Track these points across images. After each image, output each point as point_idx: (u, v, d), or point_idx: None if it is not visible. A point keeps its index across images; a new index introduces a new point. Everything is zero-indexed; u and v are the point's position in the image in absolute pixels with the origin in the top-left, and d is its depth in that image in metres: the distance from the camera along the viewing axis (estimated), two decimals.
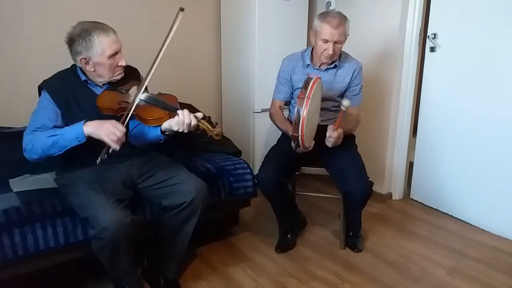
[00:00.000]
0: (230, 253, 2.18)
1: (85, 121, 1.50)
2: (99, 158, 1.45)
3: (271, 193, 2.07)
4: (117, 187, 1.66)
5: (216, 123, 1.58)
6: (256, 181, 2.13)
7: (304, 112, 1.71)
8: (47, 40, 2.42)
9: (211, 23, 3.09)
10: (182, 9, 1.53)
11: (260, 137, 2.92)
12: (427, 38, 2.58)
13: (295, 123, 1.74)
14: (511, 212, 2.31)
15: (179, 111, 1.52)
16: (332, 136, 1.86)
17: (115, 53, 1.60)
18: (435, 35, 2.53)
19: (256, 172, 2.11)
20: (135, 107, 1.57)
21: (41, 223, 1.58)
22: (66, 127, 1.54)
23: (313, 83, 1.76)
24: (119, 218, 1.47)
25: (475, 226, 2.49)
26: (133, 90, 1.66)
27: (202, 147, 2.33)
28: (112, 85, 1.70)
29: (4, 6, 2.27)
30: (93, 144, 1.55)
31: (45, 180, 1.90)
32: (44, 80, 1.66)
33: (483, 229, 2.45)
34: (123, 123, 1.50)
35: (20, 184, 1.87)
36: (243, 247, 2.25)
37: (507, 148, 2.28)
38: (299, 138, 1.75)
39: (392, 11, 2.60)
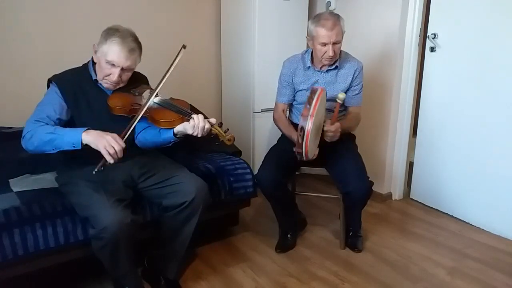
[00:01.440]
0: (230, 253, 2.18)
1: (87, 129, 1.49)
2: (95, 169, 1.46)
3: (271, 193, 2.06)
4: (118, 186, 1.66)
5: (228, 129, 1.64)
6: (256, 181, 2.13)
7: (308, 129, 1.73)
8: (48, 40, 2.42)
9: (211, 23, 3.10)
10: (184, 47, 1.63)
11: (260, 137, 2.92)
12: (427, 38, 2.58)
13: (298, 140, 1.76)
14: (511, 212, 2.32)
15: (194, 115, 1.57)
16: (330, 130, 1.88)
17: (114, 65, 1.60)
18: (435, 35, 2.53)
19: (256, 172, 2.11)
20: (149, 110, 1.61)
21: (41, 223, 1.58)
22: (67, 129, 1.53)
23: (317, 99, 1.76)
24: (119, 218, 1.47)
25: (475, 226, 2.49)
26: (146, 93, 1.69)
27: (202, 147, 2.33)
28: (123, 87, 1.71)
29: (5, 6, 2.27)
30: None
31: (45, 180, 1.90)
32: (55, 75, 1.68)
33: (483, 229, 2.45)
34: (123, 138, 1.50)
35: (20, 184, 1.87)
36: (243, 247, 2.25)
37: (507, 148, 2.28)
38: (303, 153, 1.78)
39: (392, 11, 2.60)
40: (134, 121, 1.56)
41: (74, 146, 1.48)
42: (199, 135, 1.57)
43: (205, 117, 1.60)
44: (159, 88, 1.63)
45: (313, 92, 1.81)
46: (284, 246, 2.21)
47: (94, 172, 1.46)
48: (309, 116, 1.72)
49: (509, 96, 2.24)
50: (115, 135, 1.48)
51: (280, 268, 2.05)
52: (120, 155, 1.47)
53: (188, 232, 1.74)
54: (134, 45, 1.63)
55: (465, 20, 2.38)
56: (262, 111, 2.85)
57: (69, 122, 1.63)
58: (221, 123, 1.68)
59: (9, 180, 1.90)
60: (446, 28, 2.48)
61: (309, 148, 1.77)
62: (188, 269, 2.00)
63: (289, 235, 2.24)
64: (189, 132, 1.57)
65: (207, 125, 1.57)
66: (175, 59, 1.63)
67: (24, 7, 2.32)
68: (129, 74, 1.68)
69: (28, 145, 1.52)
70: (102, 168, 1.48)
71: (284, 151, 2.07)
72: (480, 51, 2.33)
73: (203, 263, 2.07)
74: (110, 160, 1.46)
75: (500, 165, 2.33)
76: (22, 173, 1.97)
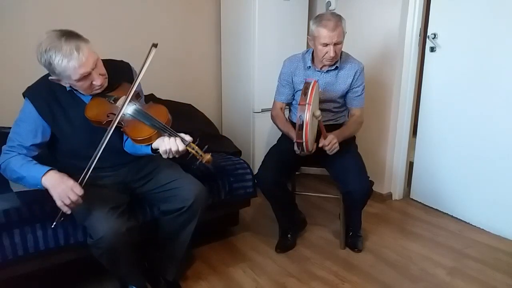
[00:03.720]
0: (230, 253, 2.18)
1: (49, 170, 1.42)
2: (54, 223, 1.42)
3: (271, 193, 2.07)
4: (113, 193, 1.62)
5: (207, 146, 1.45)
6: (256, 181, 2.13)
7: (306, 119, 1.73)
8: None
9: (211, 23, 3.09)
10: (155, 45, 1.45)
11: (260, 137, 2.92)
12: (427, 38, 2.58)
13: (298, 130, 1.76)
14: (511, 212, 2.32)
15: (165, 139, 1.41)
16: (324, 144, 1.91)
17: (87, 75, 1.43)
18: (435, 35, 2.53)
19: (256, 172, 2.11)
20: (123, 121, 1.47)
21: (41, 223, 1.58)
22: (30, 167, 1.44)
23: (312, 88, 1.78)
24: (114, 228, 1.45)
25: (475, 226, 2.49)
26: (121, 101, 1.51)
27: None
28: (103, 93, 1.55)
29: (4, 6, 2.27)
30: (86, 152, 1.47)
31: None
32: (28, 87, 1.55)
33: (483, 229, 2.45)
34: (81, 183, 1.40)
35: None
36: (243, 247, 2.25)
37: (507, 148, 2.28)
38: (303, 144, 1.78)
39: (392, 11, 2.60)
40: (96, 154, 1.41)
41: (39, 188, 1.43)
42: (176, 156, 1.44)
43: (179, 136, 1.44)
44: (129, 98, 1.46)
45: (307, 83, 1.83)
46: (284, 246, 2.21)
47: (52, 227, 1.43)
48: (306, 105, 1.73)
49: (509, 96, 2.23)
50: (71, 182, 1.38)
51: (280, 268, 2.05)
52: (78, 202, 1.39)
53: (187, 235, 1.73)
54: (75, 42, 1.39)
55: (465, 20, 2.38)
56: (262, 111, 2.85)
57: (51, 138, 1.56)
58: (199, 138, 1.47)
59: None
60: (446, 28, 2.48)
61: (309, 137, 1.77)
62: (188, 269, 2.00)
63: (289, 235, 2.24)
64: (164, 156, 1.43)
65: (181, 147, 1.41)
66: (146, 60, 1.46)
67: (24, 7, 2.32)
68: (101, 63, 1.50)
69: (6, 176, 1.50)
70: (62, 219, 1.43)
71: (284, 151, 2.08)
72: (480, 50, 2.33)
73: (203, 263, 2.07)
74: (67, 211, 1.39)
75: (500, 165, 2.33)
76: None
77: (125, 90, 1.55)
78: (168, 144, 1.40)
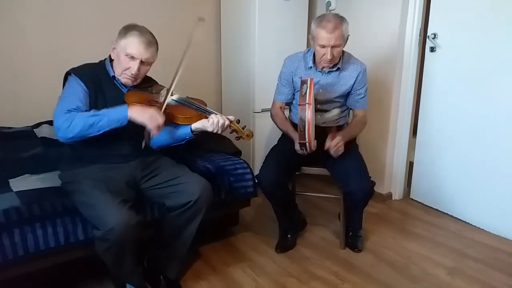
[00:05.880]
0: (230, 253, 2.18)
1: (127, 104, 1.56)
2: (143, 142, 1.65)
3: (271, 193, 2.06)
4: (121, 187, 1.65)
5: (245, 126, 1.73)
6: (256, 181, 2.13)
7: (308, 118, 1.74)
8: (48, 41, 2.42)
9: (211, 23, 3.09)
10: (201, 19, 1.67)
11: (260, 137, 2.92)
12: (427, 38, 2.58)
13: (301, 131, 1.76)
14: (511, 212, 2.32)
15: (212, 114, 1.66)
16: (330, 146, 1.93)
17: (133, 58, 1.64)
18: (435, 35, 2.53)
19: (256, 172, 2.11)
20: (167, 106, 1.66)
21: (41, 223, 1.58)
22: (108, 109, 1.56)
23: (310, 87, 1.78)
24: (125, 219, 1.46)
25: (475, 226, 2.49)
26: (164, 91, 1.74)
27: (202, 147, 2.33)
28: (140, 85, 1.76)
29: (5, 7, 2.27)
30: (101, 143, 1.60)
31: (46, 180, 1.90)
32: (73, 68, 1.69)
33: (483, 229, 2.45)
34: (161, 111, 1.60)
35: (20, 184, 1.86)
36: (243, 247, 2.25)
37: (507, 148, 2.28)
38: (307, 144, 1.79)
39: (392, 11, 2.60)
40: (168, 93, 1.64)
41: (121, 123, 1.54)
42: (219, 132, 1.65)
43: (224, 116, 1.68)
44: (177, 76, 1.66)
45: (303, 82, 1.82)
46: (284, 246, 2.21)
47: (142, 145, 1.67)
48: (306, 105, 1.74)
49: (509, 96, 2.23)
50: (155, 108, 1.58)
51: (280, 268, 2.05)
52: (162, 127, 1.57)
53: (191, 232, 1.74)
54: (152, 39, 1.69)
55: (465, 20, 2.38)
56: (262, 111, 2.85)
57: None
58: (239, 120, 1.73)
59: (9, 180, 1.90)
60: (446, 28, 2.48)
61: (312, 137, 1.78)
62: (188, 269, 2.00)
63: (289, 235, 2.24)
64: (209, 129, 1.65)
65: (226, 122, 1.66)
66: (191, 35, 1.66)
67: (23, 8, 2.32)
68: (147, 68, 1.72)
69: (68, 133, 1.51)
70: (149, 140, 1.67)
71: (284, 151, 2.08)
72: (480, 51, 2.34)
73: (203, 263, 2.07)
74: (156, 132, 1.56)
75: (500, 165, 2.33)
76: (22, 173, 1.96)
77: (161, 87, 1.80)
78: (216, 118, 1.65)
